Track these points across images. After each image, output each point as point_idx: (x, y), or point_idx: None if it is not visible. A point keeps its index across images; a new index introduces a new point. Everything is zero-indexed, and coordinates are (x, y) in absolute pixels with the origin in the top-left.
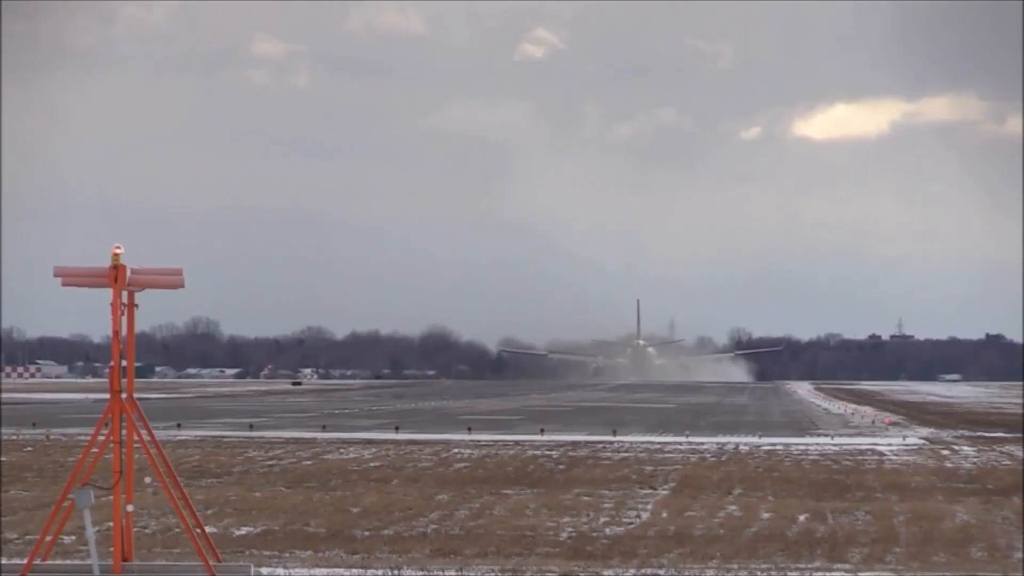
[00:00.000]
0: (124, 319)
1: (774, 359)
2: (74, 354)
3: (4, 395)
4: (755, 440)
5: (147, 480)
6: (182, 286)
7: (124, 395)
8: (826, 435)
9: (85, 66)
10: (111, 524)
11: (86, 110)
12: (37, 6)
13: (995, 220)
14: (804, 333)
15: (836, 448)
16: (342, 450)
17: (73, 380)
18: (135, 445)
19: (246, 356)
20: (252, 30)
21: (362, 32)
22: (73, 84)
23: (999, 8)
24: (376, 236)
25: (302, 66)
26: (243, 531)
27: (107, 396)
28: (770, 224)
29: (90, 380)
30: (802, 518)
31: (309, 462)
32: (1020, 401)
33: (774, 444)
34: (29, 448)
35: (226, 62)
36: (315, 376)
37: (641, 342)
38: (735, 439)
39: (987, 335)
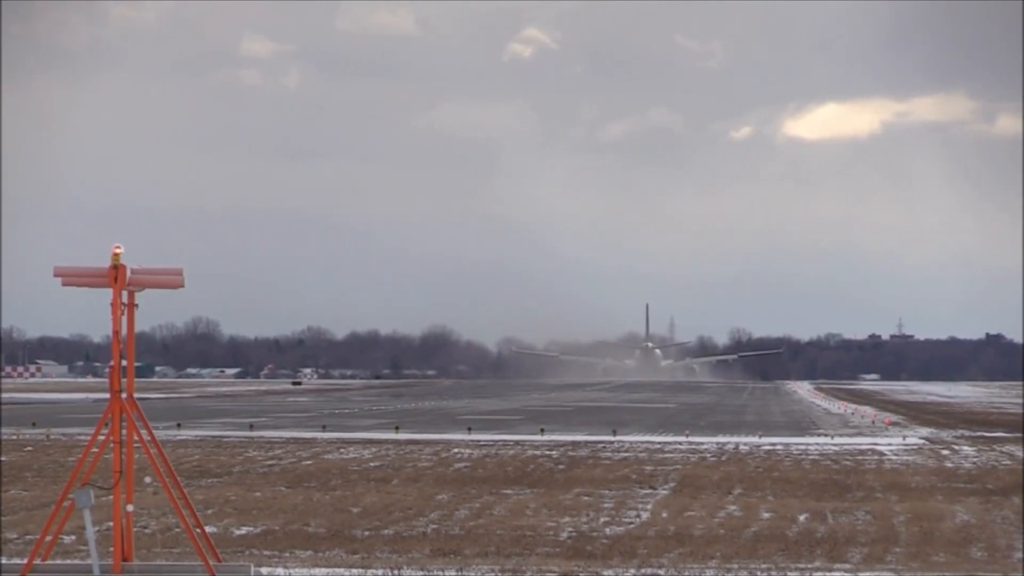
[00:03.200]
0: (124, 319)
1: (774, 359)
2: (74, 354)
3: (4, 395)
4: (755, 440)
5: (147, 480)
6: (182, 286)
7: (124, 395)
8: (826, 435)
9: (82, 66)
10: (111, 524)
11: (84, 110)
12: (32, 6)
13: (991, 219)
14: (804, 333)
15: (836, 448)
16: (342, 450)
17: (73, 380)
18: (135, 445)
19: (246, 356)
20: (243, 30)
21: (353, 32)
22: (70, 84)
23: (990, 8)
24: (375, 235)
25: (293, 66)
26: (243, 531)
27: (107, 396)
28: (767, 224)
29: (90, 380)
30: (802, 518)
31: (309, 462)
32: (1020, 401)
33: (774, 444)
34: (29, 448)
35: (218, 62)
36: (315, 376)
37: (650, 344)
38: (735, 439)
39: (987, 335)
